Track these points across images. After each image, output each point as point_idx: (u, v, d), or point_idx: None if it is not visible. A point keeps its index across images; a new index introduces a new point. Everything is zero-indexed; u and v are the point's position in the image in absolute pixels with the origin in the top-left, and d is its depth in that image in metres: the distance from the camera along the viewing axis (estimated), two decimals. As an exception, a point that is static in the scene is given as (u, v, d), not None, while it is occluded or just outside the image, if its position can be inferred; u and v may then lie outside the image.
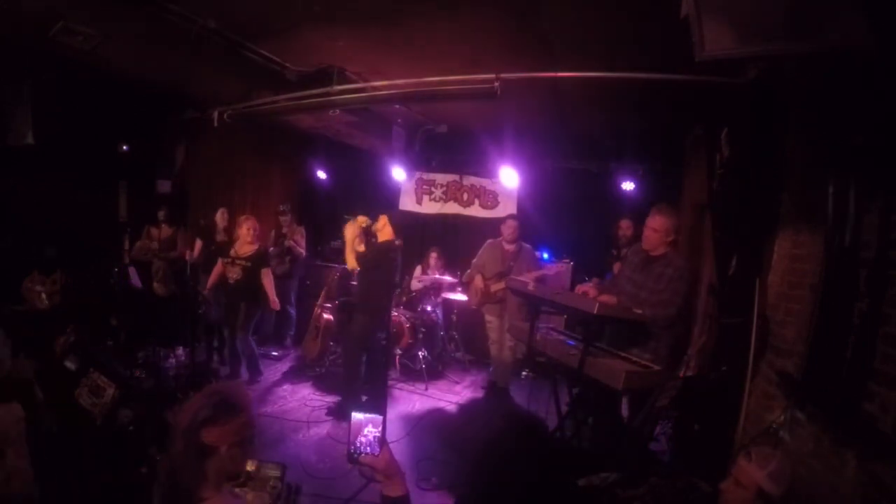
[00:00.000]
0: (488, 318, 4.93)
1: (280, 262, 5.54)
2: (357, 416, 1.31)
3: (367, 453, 1.29)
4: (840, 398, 1.84)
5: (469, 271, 4.98)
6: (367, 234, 4.26)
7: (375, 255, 4.11)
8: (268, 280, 4.53)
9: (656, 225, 3.01)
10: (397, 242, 3.56)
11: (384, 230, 4.18)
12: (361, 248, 4.29)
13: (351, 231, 4.14)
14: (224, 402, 1.38)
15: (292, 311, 5.89)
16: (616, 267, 3.88)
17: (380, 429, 1.30)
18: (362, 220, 4.24)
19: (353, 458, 1.30)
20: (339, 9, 2.82)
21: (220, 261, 4.64)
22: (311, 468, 3.26)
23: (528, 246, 4.90)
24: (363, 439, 1.29)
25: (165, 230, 5.33)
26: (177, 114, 5.11)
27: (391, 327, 4.53)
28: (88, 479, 2.42)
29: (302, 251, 5.79)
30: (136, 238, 5.26)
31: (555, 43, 3.01)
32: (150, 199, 5.32)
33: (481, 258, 4.89)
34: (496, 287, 4.69)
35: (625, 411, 3.28)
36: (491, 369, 4.98)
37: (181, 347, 4.69)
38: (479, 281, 4.80)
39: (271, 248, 5.44)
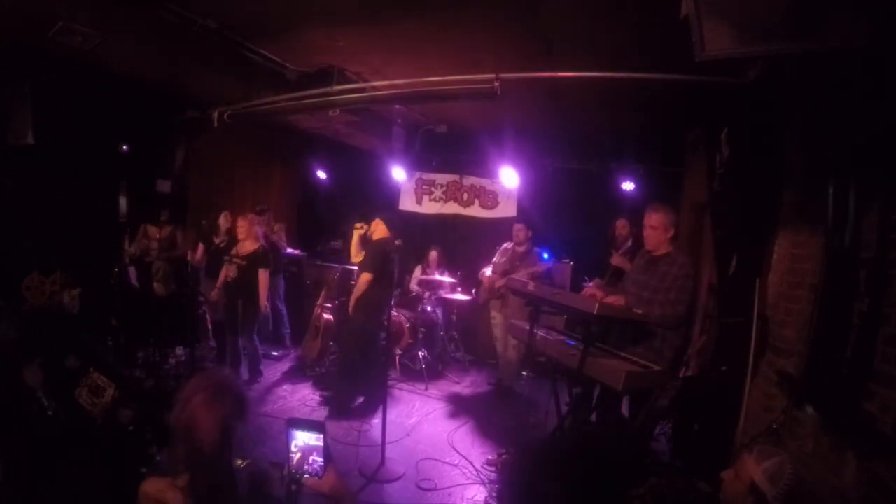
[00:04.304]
0: (493, 313, 5.03)
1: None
2: (296, 432, 1.13)
3: (309, 475, 1.13)
4: (840, 398, 1.84)
5: (484, 269, 5.13)
6: (364, 241, 4.35)
7: (370, 255, 4.17)
8: (261, 280, 4.52)
9: (655, 222, 3.00)
10: (397, 242, 3.57)
11: (378, 230, 4.28)
12: (360, 256, 4.38)
13: (354, 238, 4.40)
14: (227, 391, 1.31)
15: (282, 308, 5.89)
16: (616, 260, 3.89)
17: (322, 456, 1.13)
18: (359, 227, 4.34)
19: (294, 479, 1.13)
20: (340, 8, 2.82)
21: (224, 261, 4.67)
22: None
23: (537, 249, 4.99)
24: (307, 461, 1.13)
25: (165, 230, 5.34)
26: (177, 114, 5.11)
27: (391, 327, 4.53)
28: (88, 479, 2.42)
29: (284, 245, 5.93)
30: (135, 238, 5.27)
31: (555, 42, 3.01)
32: (150, 199, 5.32)
33: (497, 257, 5.05)
34: (499, 283, 4.84)
35: (625, 411, 3.27)
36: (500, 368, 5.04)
37: (181, 347, 4.70)
38: (485, 277, 4.96)
39: None
